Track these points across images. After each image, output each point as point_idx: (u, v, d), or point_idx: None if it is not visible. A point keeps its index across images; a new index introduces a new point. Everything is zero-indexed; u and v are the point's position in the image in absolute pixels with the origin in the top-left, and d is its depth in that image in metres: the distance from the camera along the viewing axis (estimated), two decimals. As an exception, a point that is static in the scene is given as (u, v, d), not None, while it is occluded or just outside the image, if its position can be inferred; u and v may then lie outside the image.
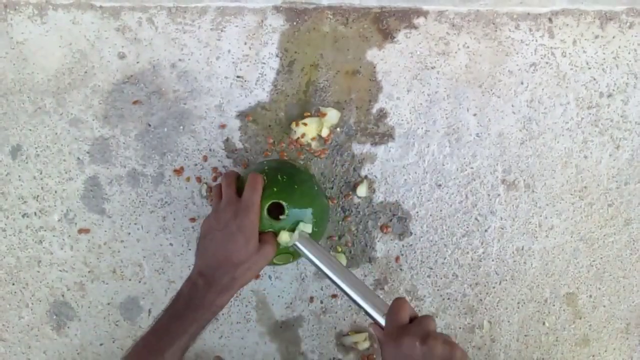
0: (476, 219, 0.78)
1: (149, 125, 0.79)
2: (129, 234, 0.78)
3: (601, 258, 0.79)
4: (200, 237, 0.62)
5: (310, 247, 0.63)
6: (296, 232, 0.63)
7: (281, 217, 0.63)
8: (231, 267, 0.57)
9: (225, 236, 0.58)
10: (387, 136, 0.78)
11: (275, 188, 0.63)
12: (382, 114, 0.79)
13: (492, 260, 0.78)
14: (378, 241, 0.78)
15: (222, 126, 0.78)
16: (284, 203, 0.63)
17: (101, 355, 0.79)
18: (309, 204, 0.65)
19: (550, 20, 0.80)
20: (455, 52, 0.79)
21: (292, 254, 0.66)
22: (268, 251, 0.60)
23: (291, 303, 0.78)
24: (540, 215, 0.78)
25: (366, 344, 0.77)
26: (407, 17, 0.79)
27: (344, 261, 0.77)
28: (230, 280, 0.57)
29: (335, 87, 0.79)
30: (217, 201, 0.65)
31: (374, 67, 0.79)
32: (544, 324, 0.78)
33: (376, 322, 0.58)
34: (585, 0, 0.78)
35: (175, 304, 0.58)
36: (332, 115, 0.78)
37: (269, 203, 0.63)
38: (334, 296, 0.78)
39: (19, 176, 0.79)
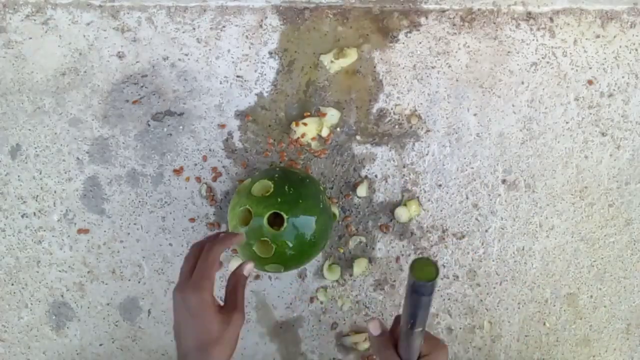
0: (476, 219, 0.78)
1: (149, 125, 0.79)
2: (129, 234, 0.78)
3: (602, 258, 0.78)
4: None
5: None
6: None
7: (281, 228, 0.62)
8: (202, 353, 0.50)
9: (183, 323, 0.52)
10: (387, 136, 0.78)
11: (279, 198, 0.63)
12: (382, 114, 0.78)
13: (493, 261, 0.78)
14: (378, 241, 0.77)
15: (222, 126, 0.78)
16: (284, 215, 0.62)
17: (101, 356, 0.78)
18: (311, 220, 0.64)
19: (551, 19, 0.79)
20: (456, 52, 0.79)
21: (285, 265, 0.65)
22: (237, 320, 0.52)
23: (291, 303, 0.77)
24: (541, 216, 0.78)
25: (366, 344, 0.76)
26: (407, 16, 0.79)
27: (336, 274, 0.77)
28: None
29: (335, 87, 0.78)
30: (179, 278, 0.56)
31: (374, 67, 0.79)
32: (544, 324, 0.78)
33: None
34: (586, 0, 0.78)
35: None
36: (332, 115, 0.77)
37: (270, 212, 0.62)
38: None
39: (19, 176, 0.79)
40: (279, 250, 0.63)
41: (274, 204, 0.62)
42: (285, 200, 0.63)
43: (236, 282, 0.56)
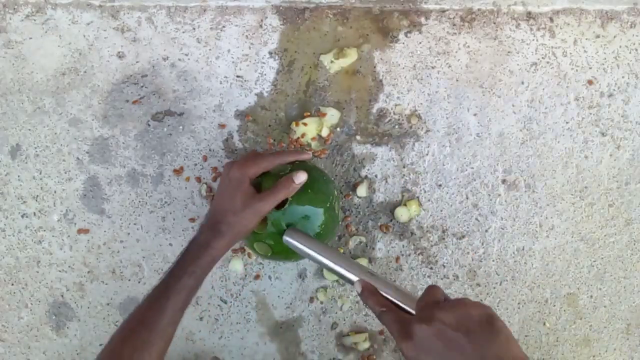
0: (476, 219, 0.78)
1: (149, 125, 0.79)
2: (129, 234, 0.78)
3: (602, 258, 0.78)
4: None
5: (303, 240, 0.61)
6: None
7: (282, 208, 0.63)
8: (221, 215, 0.61)
9: (220, 187, 0.63)
10: (387, 136, 0.78)
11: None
12: (382, 114, 0.78)
13: (493, 261, 0.78)
14: (378, 241, 0.77)
15: (222, 126, 0.78)
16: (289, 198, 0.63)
17: (101, 356, 0.78)
18: (314, 213, 0.65)
19: (551, 19, 0.79)
20: (456, 52, 0.79)
21: (272, 248, 0.65)
22: (259, 207, 0.60)
23: (291, 303, 0.78)
24: (541, 216, 0.78)
25: (366, 344, 0.76)
26: (407, 16, 0.79)
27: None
28: (221, 226, 0.60)
29: (335, 87, 0.78)
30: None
31: (374, 67, 0.79)
32: (544, 324, 0.78)
33: (403, 309, 0.53)
34: (586, 0, 0.78)
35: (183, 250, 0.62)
36: (332, 115, 0.77)
37: None
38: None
39: (19, 176, 0.79)
40: (272, 230, 0.63)
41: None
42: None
43: (280, 182, 0.61)
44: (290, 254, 0.66)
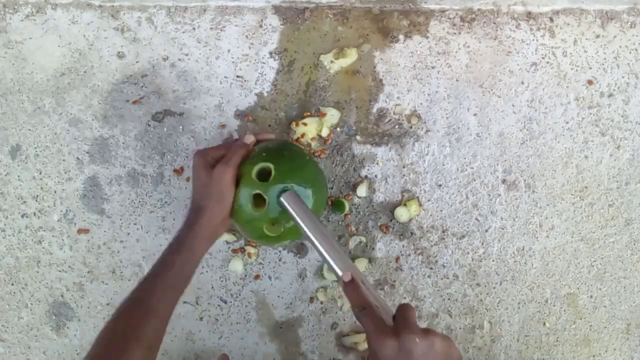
0: (476, 219, 0.78)
1: (149, 125, 0.79)
2: (129, 234, 0.78)
3: (602, 258, 0.78)
4: None
5: (297, 206, 0.62)
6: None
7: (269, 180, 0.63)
8: (197, 196, 0.65)
9: (192, 178, 0.68)
10: (387, 136, 0.78)
11: (264, 153, 0.65)
12: (382, 114, 0.78)
13: (493, 261, 0.78)
14: (378, 241, 0.77)
15: (222, 126, 0.78)
16: (271, 166, 0.63)
17: (101, 356, 0.78)
18: (300, 174, 0.65)
19: (551, 19, 0.79)
20: (456, 52, 0.79)
21: (278, 222, 0.64)
22: (221, 171, 0.63)
23: (291, 303, 0.77)
24: (541, 216, 0.78)
25: (366, 344, 0.76)
26: (407, 16, 0.79)
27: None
28: (199, 202, 0.64)
29: (335, 87, 0.79)
30: None
31: (374, 67, 0.79)
32: (544, 324, 0.78)
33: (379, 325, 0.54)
34: (586, 0, 0.78)
35: None
36: (332, 115, 0.77)
37: (259, 166, 0.63)
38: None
39: (19, 176, 0.79)
40: (272, 206, 0.62)
41: (259, 159, 0.64)
42: (269, 153, 0.65)
43: (230, 146, 0.66)
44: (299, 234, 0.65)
